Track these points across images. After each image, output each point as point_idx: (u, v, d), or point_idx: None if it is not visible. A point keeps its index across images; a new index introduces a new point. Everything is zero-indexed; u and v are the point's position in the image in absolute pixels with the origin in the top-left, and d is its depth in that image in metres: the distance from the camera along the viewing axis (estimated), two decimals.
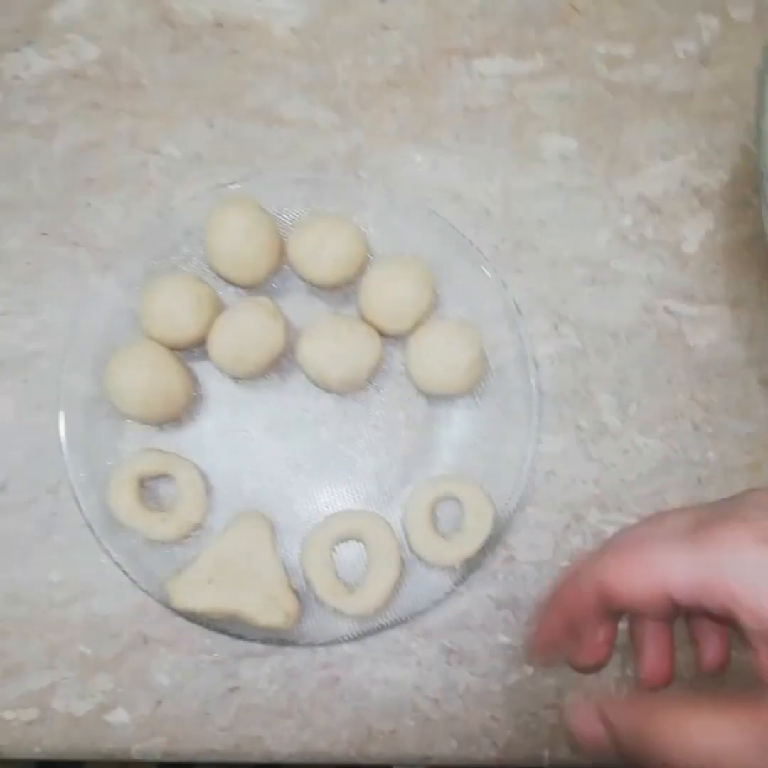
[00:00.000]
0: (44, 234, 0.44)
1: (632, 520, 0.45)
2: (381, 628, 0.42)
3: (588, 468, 0.45)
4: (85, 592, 0.43)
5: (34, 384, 0.43)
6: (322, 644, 0.41)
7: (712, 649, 0.30)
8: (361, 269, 0.43)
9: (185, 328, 0.41)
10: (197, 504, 0.42)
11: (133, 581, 0.40)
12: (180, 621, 0.41)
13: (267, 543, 0.42)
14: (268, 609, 0.41)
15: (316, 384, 0.43)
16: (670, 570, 0.25)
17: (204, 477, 0.43)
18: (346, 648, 0.43)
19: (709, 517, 0.26)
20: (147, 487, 0.42)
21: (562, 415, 0.45)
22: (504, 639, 0.44)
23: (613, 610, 0.27)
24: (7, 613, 0.42)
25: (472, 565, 0.42)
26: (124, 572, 0.40)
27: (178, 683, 0.42)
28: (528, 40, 0.47)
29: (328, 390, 0.43)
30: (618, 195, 0.47)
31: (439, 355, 0.42)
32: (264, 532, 0.42)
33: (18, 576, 0.42)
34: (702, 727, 0.23)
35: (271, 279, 0.43)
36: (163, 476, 0.42)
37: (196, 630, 0.41)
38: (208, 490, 0.43)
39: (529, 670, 0.43)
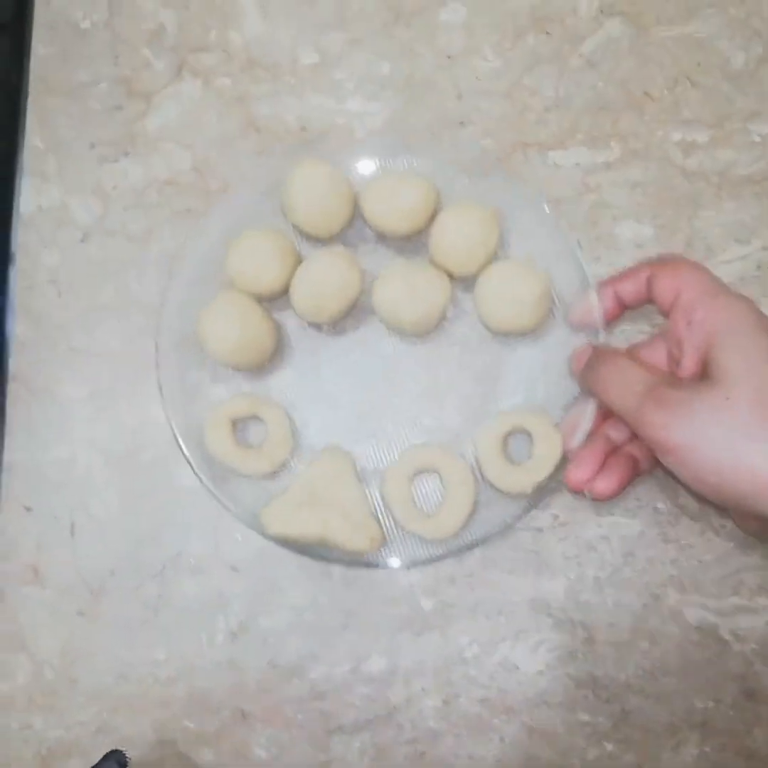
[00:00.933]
0: (143, 335, 0.53)
1: (711, 602, 0.51)
2: (459, 550, 0.51)
3: (666, 549, 0.50)
4: (188, 670, 0.50)
5: (137, 476, 0.51)
6: (405, 567, 0.51)
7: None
8: (432, 218, 0.52)
9: (270, 280, 0.51)
10: (285, 442, 0.52)
11: (235, 515, 0.51)
12: (275, 696, 0.50)
13: (350, 474, 0.51)
14: (355, 534, 0.50)
15: (390, 327, 0.53)
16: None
17: (290, 418, 0.53)
18: (432, 724, 0.50)
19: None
20: (239, 428, 0.53)
21: (639, 498, 0.51)
22: (583, 717, 0.51)
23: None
24: (116, 691, 0.51)
25: (543, 490, 0.51)
26: (225, 506, 0.51)
27: (274, 756, 0.50)
28: (603, 130, 0.53)
29: (402, 332, 0.53)
30: None
31: (506, 293, 0.50)
32: (346, 465, 0.52)
33: (126, 656, 0.51)
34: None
35: (346, 231, 0.53)
36: (253, 418, 0.53)
37: (289, 705, 0.52)
38: (294, 430, 0.53)
39: (609, 746, 0.49)
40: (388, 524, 0.51)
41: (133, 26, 0.56)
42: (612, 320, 0.49)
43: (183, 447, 0.51)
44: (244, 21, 0.56)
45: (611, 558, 0.52)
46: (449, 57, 0.55)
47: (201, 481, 0.50)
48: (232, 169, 0.55)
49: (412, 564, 0.51)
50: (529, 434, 0.51)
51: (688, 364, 0.43)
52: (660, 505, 0.52)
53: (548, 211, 0.51)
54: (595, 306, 0.49)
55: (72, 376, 0.54)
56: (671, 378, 0.43)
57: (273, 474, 0.52)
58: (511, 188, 0.52)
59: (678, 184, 0.54)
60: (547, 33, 0.55)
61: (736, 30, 0.55)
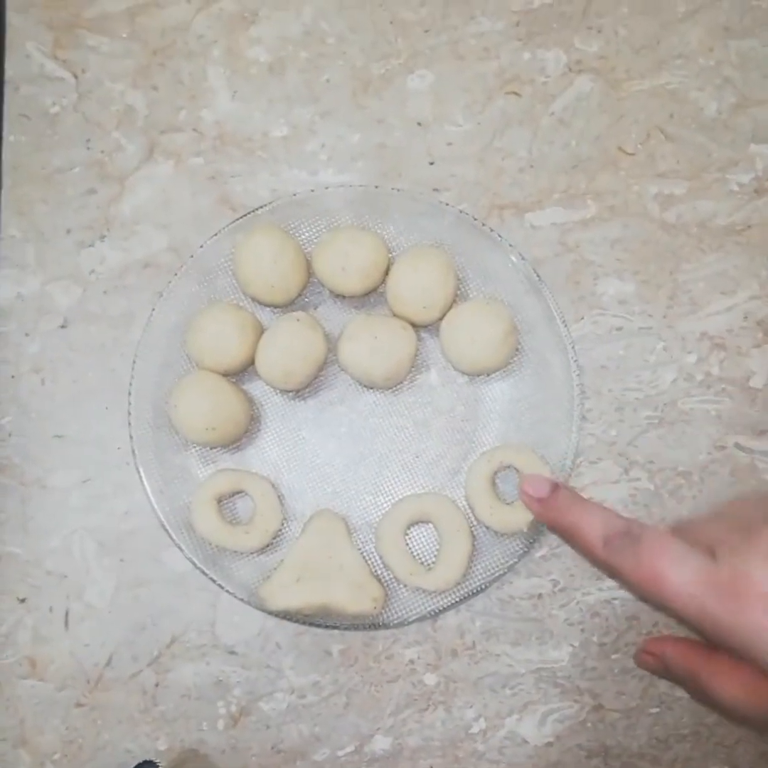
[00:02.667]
0: (128, 414, 0.54)
1: None
2: (464, 599, 0.52)
3: None
4: (191, 758, 0.49)
5: (130, 562, 0.52)
6: (411, 622, 0.52)
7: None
8: (387, 271, 0.54)
9: (234, 355, 0.53)
10: (274, 514, 0.53)
11: (232, 594, 0.51)
12: None
13: (343, 537, 0.53)
14: (356, 597, 0.51)
15: (361, 383, 0.55)
16: (691, 595, 0.33)
17: (275, 486, 0.54)
18: None
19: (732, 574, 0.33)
20: (227, 504, 0.54)
21: None
22: None
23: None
24: None
25: (539, 526, 0.52)
26: (221, 586, 0.51)
27: None
28: (578, 188, 0.54)
29: (373, 387, 0.55)
30: (680, 334, 0.53)
31: (471, 333, 0.52)
32: (338, 527, 0.53)
33: (127, 747, 0.52)
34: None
35: (304, 293, 0.55)
36: (238, 493, 0.54)
37: None
38: (281, 499, 0.54)
39: None
40: (387, 580, 0.52)
41: (102, 109, 0.57)
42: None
43: (170, 531, 0.52)
44: (214, 99, 0.57)
45: (615, 623, 0.53)
46: (420, 124, 0.56)
47: (193, 564, 0.51)
48: (210, 246, 0.56)
49: (418, 619, 0.51)
50: (515, 469, 0.52)
51: None
52: None
53: (507, 253, 0.53)
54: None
55: (61, 465, 0.55)
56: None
57: (266, 547, 0.52)
58: (464, 225, 0.54)
59: (658, 238, 0.55)
60: (517, 94, 0.56)
61: (707, 79, 0.56)
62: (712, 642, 0.33)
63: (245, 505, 0.54)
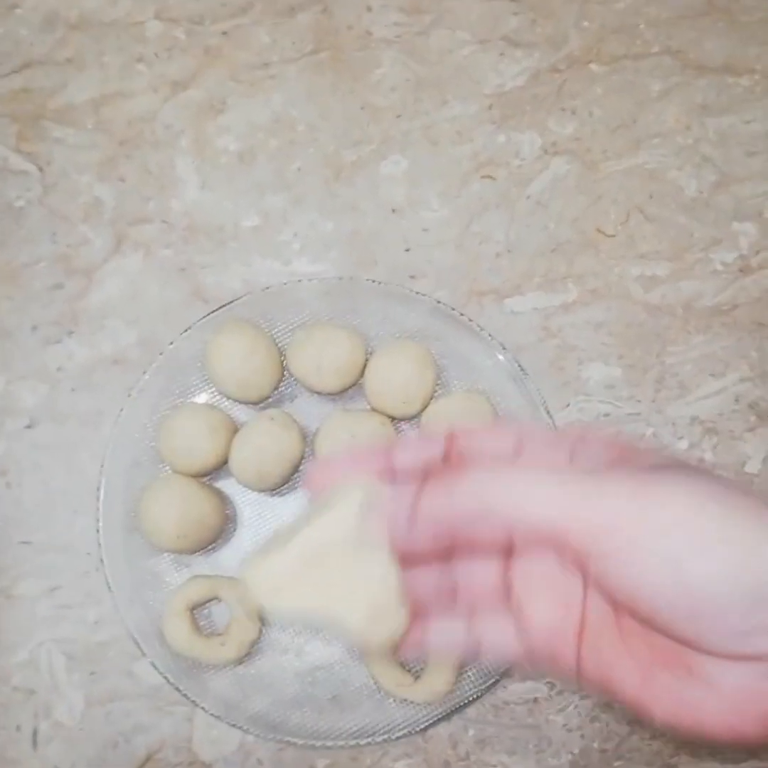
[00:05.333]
0: (97, 520, 0.53)
1: (728, 766, 0.49)
2: (455, 710, 0.51)
3: None
4: None
5: (101, 676, 0.52)
6: (399, 737, 0.50)
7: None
8: (364, 367, 0.54)
9: (206, 457, 0.52)
10: (251, 622, 0.52)
11: (207, 710, 0.50)
12: None
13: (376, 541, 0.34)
14: (374, 624, 0.34)
15: None
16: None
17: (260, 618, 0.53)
18: None
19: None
20: (202, 612, 0.53)
21: None
22: None
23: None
24: None
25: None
26: (195, 703, 0.50)
27: None
28: (558, 271, 0.54)
29: None
30: (670, 419, 0.53)
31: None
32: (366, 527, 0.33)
33: None
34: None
35: (278, 387, 0.55)
36: (213, 599, 0.53)
37: None
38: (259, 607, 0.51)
39: None
40: (373, 690, 0.51)
41: (68, 202, 0.58)
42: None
43: (141, 644, 0.51)
44: (183, 189, 0.58)
45: (616, 727, 0.52)
46: (394, 210, 0.57)
47: (167, 679, 0.50)
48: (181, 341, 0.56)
49: (407, 733, 0.50)
50: None
51: None
52: None
53: (487, 336, 0.53)
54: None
55: (28, 573, 0.54)
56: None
57: (243, 658, 0.52)
58: (440, 315, 0.54)
59: (643, 321, 0.55)
60: (492, 177, 0.57)
61: (686, 158, 0.57)
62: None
63: (221, 610, 0.53)
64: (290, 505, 0.54)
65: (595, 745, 0.52)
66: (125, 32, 0.60)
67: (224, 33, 0.59)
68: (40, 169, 0.58)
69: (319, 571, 0.34)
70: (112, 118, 0.59)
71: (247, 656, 0.52)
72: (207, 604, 0.53)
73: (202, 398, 0.55)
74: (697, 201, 0.57)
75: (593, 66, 0.58)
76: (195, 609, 0.52)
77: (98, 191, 0.58)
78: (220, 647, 0.51)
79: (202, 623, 0.52)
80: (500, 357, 0.53)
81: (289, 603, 0.34)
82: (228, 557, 0.54)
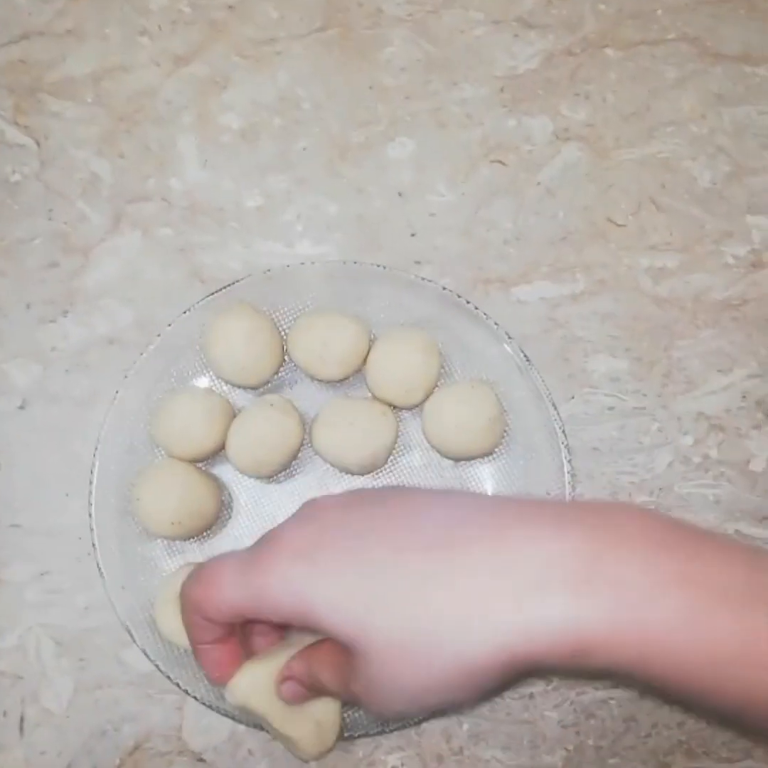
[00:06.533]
0: (89, 504, 0.53)
1: (723, 766, 0.49)
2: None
3: (671, 712, 0.50)
4: None
5: (90, 662, 0.51)
6: (394, 729, 0.51)
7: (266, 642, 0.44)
8: (366, 356, 0.53)
9: (203, 442, 0.52)
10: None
11: (198, 699, 0.50)
12: None
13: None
14: (313, 738, 0.44)
15: (337, 468, 0.54)
16: (234, 596, 0.37)
17: None
18: None
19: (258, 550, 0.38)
20: None
21: None
22: None
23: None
24: None
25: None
26: (187, 692, 0.50)
27: None
28: (567, 261, 0.54)
29: (350, 472, 0.54)
30: (675, 414, 0.53)
31: (456, 419, 0.52)
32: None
33: None
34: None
35: (278, 372, 0.54)
36: None
37: None
38: None
39: None
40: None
41: (65, 178, 0.57)
42: None
43: (132, 631, 0.51)
44: (184, 167, 0.57)
45: (612, 724, 0.52)
46: (400, 194, 0.56)
47: (158, 668, 0.50)
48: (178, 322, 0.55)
49: (401, 726, 0.50)
50: None
51: None
52: None
53: (492, 325, 0.52)
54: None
55: (17, 556, 0.54)
56: None
57: None
58: (447, 302, 0.53)
59: (651, 314, 0.55)
60: (502, 162, 0.56)
61: (700, 148, 0.57)
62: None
63: None
64: (287, 492, 0.54)
65: (590, 742, 0.52)
66: (128, 4, 0.59)
67: (230, 7, 0.59)
68: (38, 143, 0.57)
69: None
70: (112, 92, 0.58)
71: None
72: None
73: (199, 382, 0.54)
74: (711, 192, 0.56)
75: (608, 51, 0.58)
76: None
77: (96, 167, 0.57)
78: None
79: None
80: (506, 346, 0.52)
81: (256, 707, 0.42)
82: (223, 545, 0.53)
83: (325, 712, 0.45)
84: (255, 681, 0.44)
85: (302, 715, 0.44)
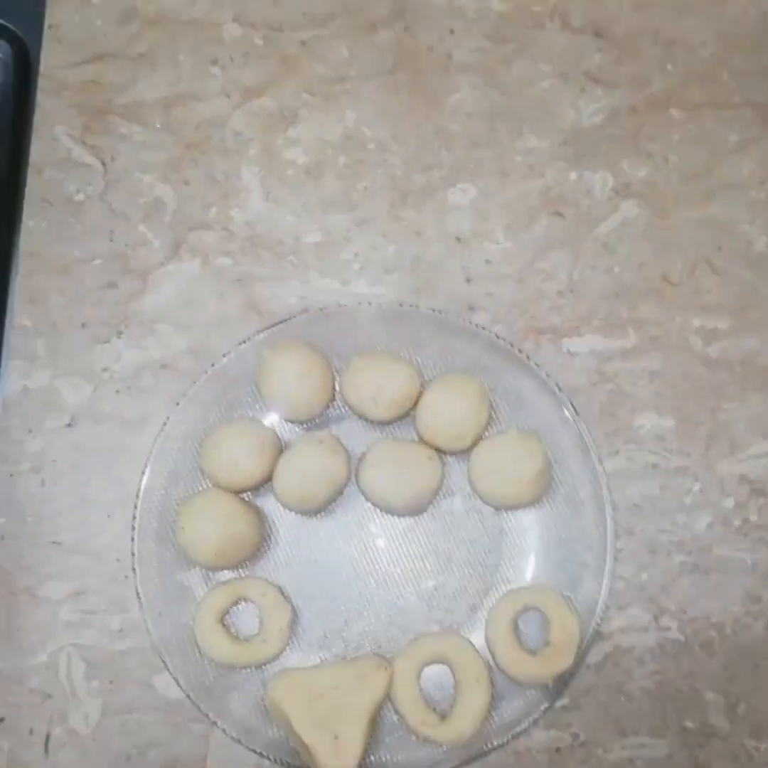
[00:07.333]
0: (133, 528, 0.54)
1: None
2: (477, 756, 0.51)
3: None
4: None
5: (120, 686, 0.52)
6: None
7: None
8: (417, 399, 0.54)
9: (250, 474, 0.52)
10: (282, 610, 0.52)
11: (227, 732, 0.51)
12: None
13: (370, 703, 0.50)
14: (330, 748, 0.48)
15: (380, 508, 0.54)
16: None
17: (287, 599, 0.53)
18: None
19: None
20: (230, 616, 0.53)
21: (667, 716, 0.50)
22: None
23: None
24: None
25: (566, 678, 0.51)
26: (215, 724, 0.51)
27: None
28: (619, 316, 0.54)
29: (392, 513, 0.54)
30: (718, 476, 0.54)
31: (503, 469, 0.52)
32: (376, 685, 0.50)
33: None
34: None
35: (328, 408, 0.55)
36: (237, 602, 0.53)
37: None
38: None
39: None
40: (394, 724, 0.52)
41: (129, 200, 0.58)
42: None
43: (167, 661, 0.51)
44: (247, 198, 0.58)
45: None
46: (458, 239, 0.57)
47: (189, 698, 0.50)
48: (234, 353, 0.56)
49: None
50: (540, 612, 0.52)
51: None
52: (688, 724, 0.52)
53: (543, 375, 0.53)
54: None
55: (54, 574, 0.54)
56: None
57: (275, 655, 0.52)
58: (497, 351, 0.54)
59: (699, 374, 0.56)
60: (561, 215, 0.57)
61: (757, 213, 0.58)
62: None
63: (241, 617, 0.53)
64: (328, 529, 0.55)
65: None
66: (202, 33, 0.60)
67: (303, 43, 0.60)
68: (104, 164, 0.59)
69: (315, 703, 0.49)
70: (181, 119, 0.59)
71: (274, 660, 0.52)
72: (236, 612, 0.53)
73: (250, 413, 0.55)
74: (765, 257, 0.57)
75: (673, 111, 0.59)
76: (223, 617, 0.52)
77: (161, 192, 0.58)
78: (264, 644, 0.52)
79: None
80: (555, 397, 0.53)
81: (286, 708, 0.48)
82: (259, 574, 0.54)
83: (347, 730, 0.49)
84: (293, 685, 0.50)
85: (323, 726, 0.49)
